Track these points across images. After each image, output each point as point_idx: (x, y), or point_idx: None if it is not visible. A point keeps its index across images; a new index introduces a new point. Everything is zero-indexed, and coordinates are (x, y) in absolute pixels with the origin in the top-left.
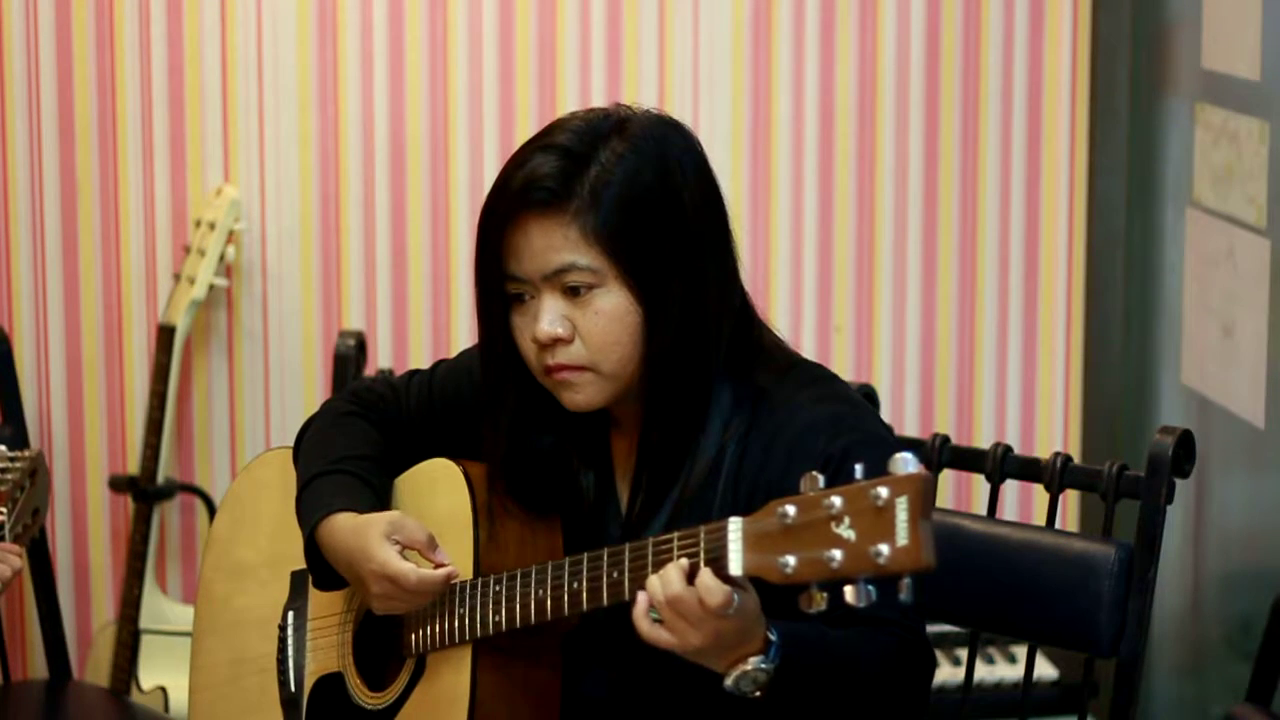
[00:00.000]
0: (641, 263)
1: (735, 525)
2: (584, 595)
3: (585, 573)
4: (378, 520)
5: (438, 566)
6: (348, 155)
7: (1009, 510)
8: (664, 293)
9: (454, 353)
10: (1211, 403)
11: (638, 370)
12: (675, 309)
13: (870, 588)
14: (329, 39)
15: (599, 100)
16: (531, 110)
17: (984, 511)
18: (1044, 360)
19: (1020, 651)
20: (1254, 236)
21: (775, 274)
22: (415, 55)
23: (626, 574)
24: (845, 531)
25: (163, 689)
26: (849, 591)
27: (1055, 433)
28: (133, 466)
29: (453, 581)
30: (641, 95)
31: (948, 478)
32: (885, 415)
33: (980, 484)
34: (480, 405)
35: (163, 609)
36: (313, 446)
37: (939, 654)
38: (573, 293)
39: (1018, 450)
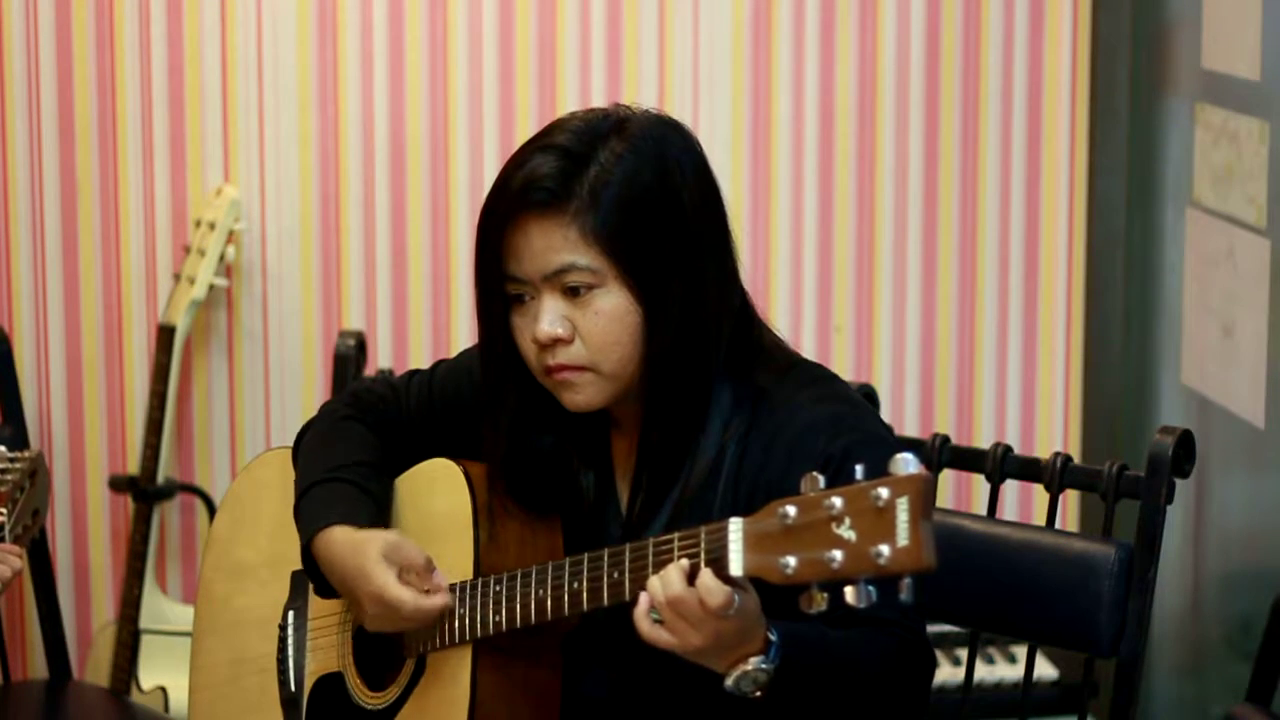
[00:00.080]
0: (641, 263)
1: (736, 526)
2: (584, 595)
3: (585, 573)
4: (376, 540)
5: (433, 590)
6: (348, 155)
7: (1009, 510)
8: (664, 293)
9: (454, 353)
10: (1211, 403)
11: (638, 370)
12: (675, 309)
13: (871, 588)
14: (329, 39)
15: (599, 100)
16: (531, 110)
17: (984, 511)
18: (1044, 360)
19: (1020, 651)
20: (1254, 236)
21: (775, 274)
22: (415, 55)
23: (627, 574)
24: (846, 532)
25: (163, 689)
26: (849, 592)
27: (1055, 433)
28: (133, 466)
29: (452, 583)
30: (641, 95)
31: (948, 478)
32: (885, 415)
33: (980, 484)
34: (480, 405)
35: (163, 609)
36: (310, 452)
37: (939, 654)
38: (573, 293)
39: (1018, 450)
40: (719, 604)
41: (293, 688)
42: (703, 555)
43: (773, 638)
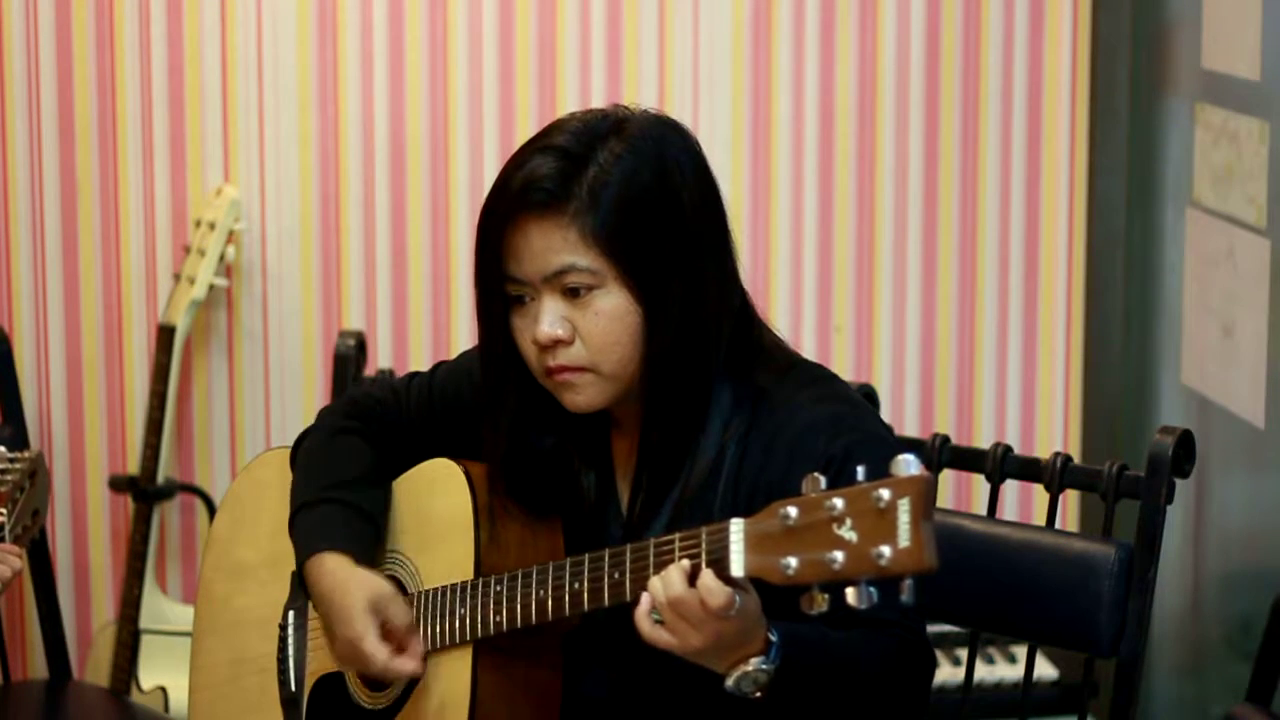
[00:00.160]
0: (641, 263)
1: (737, 526)
2: (585, 595)
3: (586, 573)
4: (367, 586)
5: (409, 654)
6: (348, 155)
7: (1009, 510)
8: (663, 293)
9: (454, 353)
10: (1211, 403)
11: (638, 371)
12: (675, 309)
13: (872, 589)
14: (329, 39)
15: (599, 100)
16: (531, 110)
17: (984, 511)
18: (1044, 360)
19: (1020, 651)
20: (1254, 236)
21: (775, 274)
22: (415, 55)
23: (628, 574)
24: (847, 533)
25: (163, 689)
26: (850, 593)
27: (1055, 433)
28: (133, 466)
29: (452, 583)
30: (641, 95)
31: (948, 478)
32: (885, 415)
33: (980, 484)
34: (480, 406)
35: (163, 609)
36: (307, 467)
37: (939, 654)
38: (573, 294)
39: (1018, 450)
40: (720, 604)
41: (293, 688)
42: (704, 556)
43: (773, 638)
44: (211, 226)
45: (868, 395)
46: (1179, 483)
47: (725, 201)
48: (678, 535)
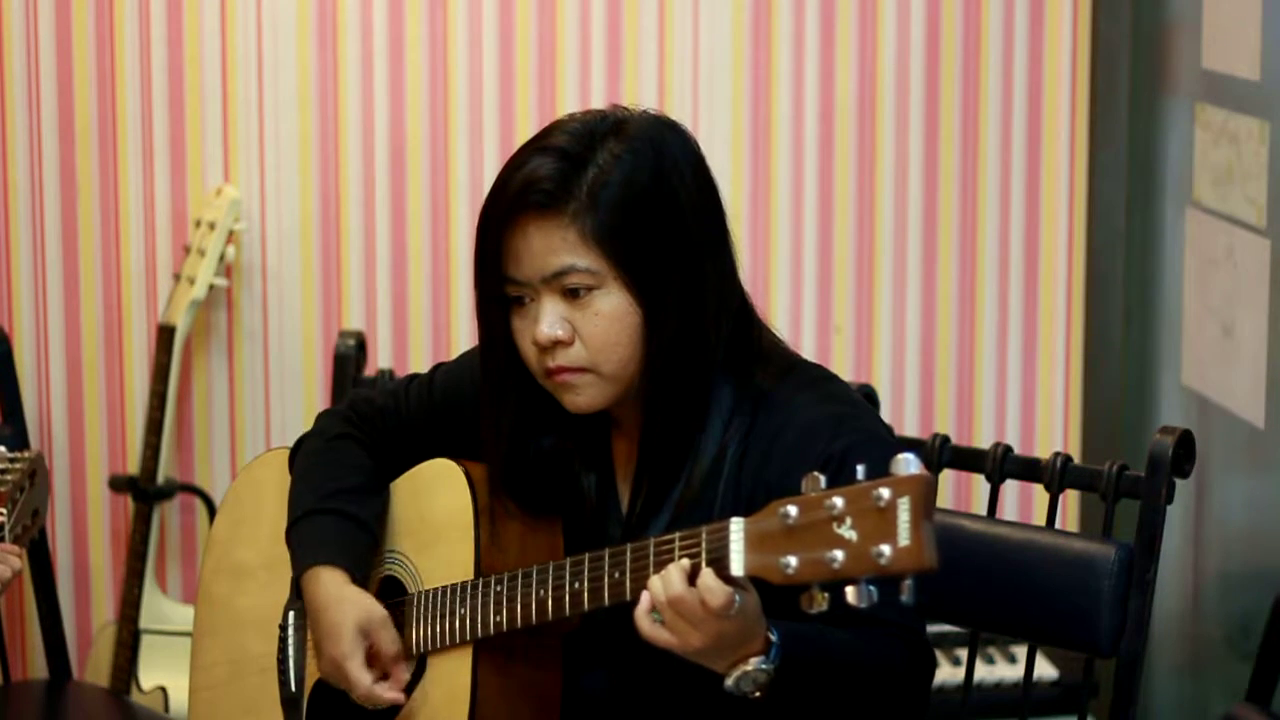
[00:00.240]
0: (640, 263)
1: (737, 525)
2: (585, 595)
3: (586, 573)
4: (358, 609)
5: (393, 682)
6: (348, 155)
7: (1009, 510)
8: (663, 293)
9: (454, 353)
10: (1211, 403)
11: (638, 371)
12: (674, 310)
13: (872, 588)
14: (329, 39)
15: (599, 100)
16: (531, 110)
17: (984, 511)
18: (1044, 360)
19: (1020, 651)
20: (1254, 236)
21: (775, 274)
22: (415, 55)
23: (628, 574)
24: (847, 532)
25: (163, 689)
26: (850, 592)
27: (1055, 433)
28: (133, 466)
29: (452, 583)
30: (641, 96)
31: (948, 478)
32: (885, 415)
33: (980, 484)
34: (481, 406)
35: (163, 609)
36: (304, 475)
37: (939, 654)
38: (572, 295)
39: (1018, 450)
40: (720, 604)
41: (293, 688)
42: (704, 555)
43: (773, 638)
44: (211, 226)
45: (868, 395)
46: (1179, 483)
47: (725, 202)
48: (678, 535)
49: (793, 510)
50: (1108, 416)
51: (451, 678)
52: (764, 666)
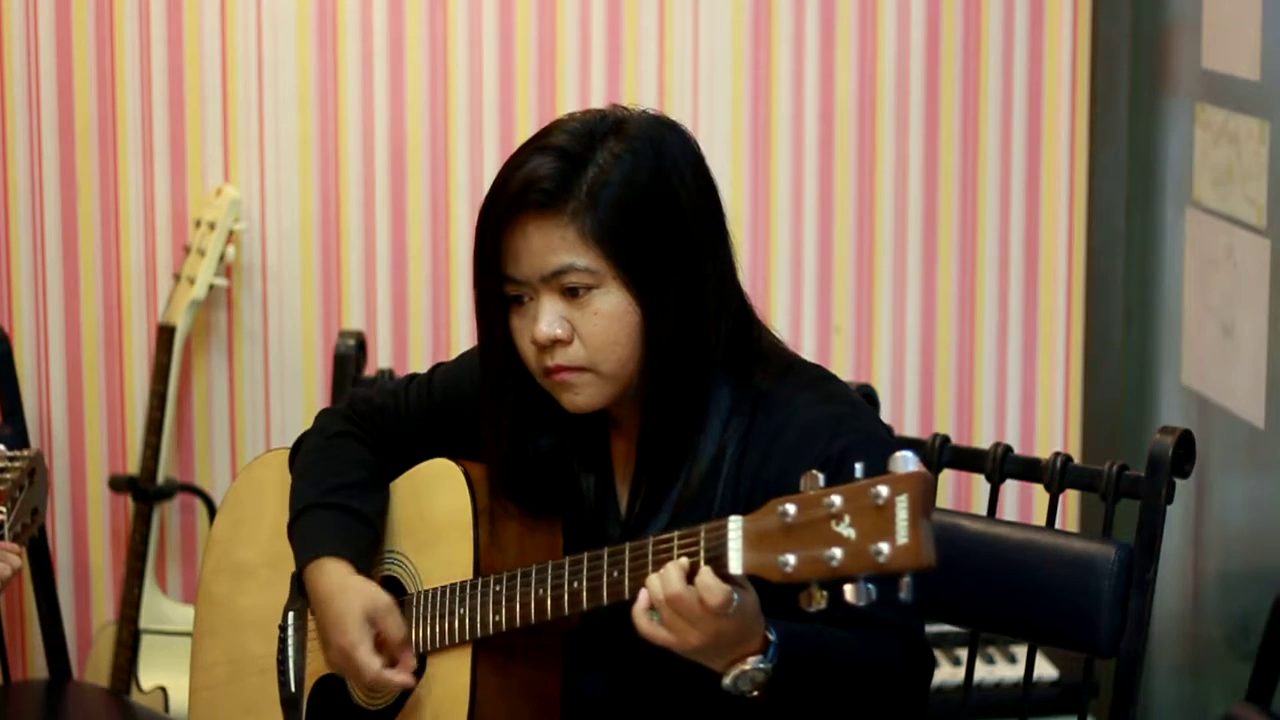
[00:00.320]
0: (639, 263)
1: (735, 524)
2: (584, 595)
3: (585, 572)
4: (363, 596)
5: (401, 666)
6: (348, 155)
7: (1009, 510)
8: (662, 293)
9: (454, 353)
10: (1211, 403)
11: (636, 371)
12: (673, 309)
13: (870, 586)
14: (329, 39)
15: (599, 100)
16: (531, 110)
17: (984, 511)
18: (1044, 360)
19: (1020, 651)
20: (1254, 236)
21: (775, 274)
22: (415, 55)
23: (627, 573)
24: (845, 530)
25: (163, 689)
26: (849, 590)
27: (1055, 433)
28: (133, 466)
29: (452, 583)
30: (641, 96)
31: (948, 478)
32: (885, 415)
33: (980, 484)
34: (480, 406)
35: (163, 609)
36: (305, 471)
37: (939, 654)
38: (571, 294)
39: (1018, 450)
40: (718, 602)
41: (293, 688)
42: (702, 554)
43: (771, 637)
44: (211, 226)
45: (867, 395)
46: (1179, 483)
47: (725, 202)
48: (676, 533)
49: (791, 508)
50: (1108, 416)
51: (451, 678)
52: (762, 666)
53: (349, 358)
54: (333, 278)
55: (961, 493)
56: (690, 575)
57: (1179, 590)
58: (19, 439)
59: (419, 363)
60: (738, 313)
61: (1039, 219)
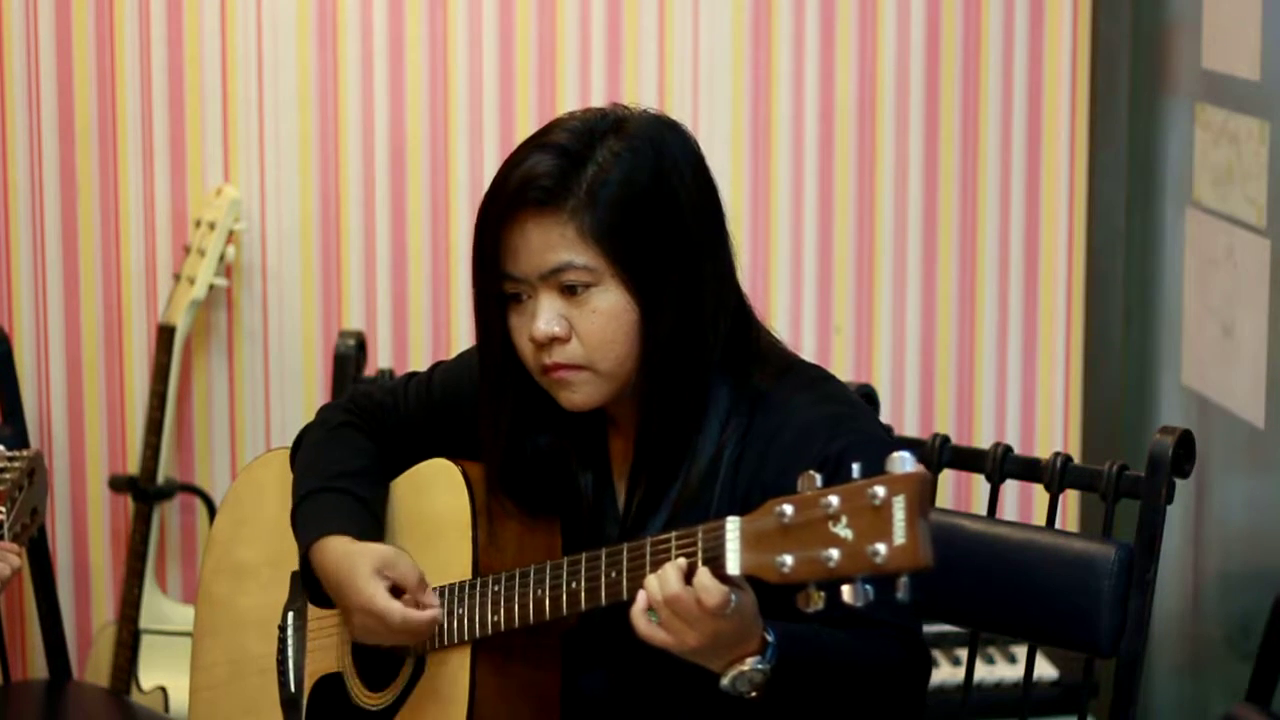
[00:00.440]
0: (638, 262)
1: (733, 524)
2: (582, 595)
3: (584, 572)
4: (370, 553)
5: (424, 605)
6: (348, 155)
7: (1009, 510)
8: (660, 292)
9: (454, 353)
10: (1211, 403)
11: (634, 369)
12: (672, 308)
13: (868, 587)
14: (329, 39)
15: (599, 100)
16: (531, 110)
17: (984, 511)
18: (1044, 360)
19: (1020, 651)
20: (1254, 236)
21: (775, 274)
22: (415, 55)
23: (625, 573)
24: (843, 530)
25: (163, 689)
26: (846, 591)
27: (1055, 433)
28: (133, 466)
29: (451, 583)
30: (641, 95)
31: (948, 478)
32: (885, 415)
33: (980, 484)
34: (479, 405)
35: (163, 609)
36: (308, 459)
37: (939, 654)
38: (570, 292)
39: (1018, 450)
40: (716, 603)
41: (292, 688)
42: (700, 554)
43: (769, 638)
44: (211, 226)
45: (867, 395)
46: (1179, 483)
47: (725, 202)
48: (674, 534)
49: (789, 509)
50: (1108, 416)
51: (450, 677)
52: (760, 666)
53: (349, 358)
54: (333, 278)
55: (961, 493)
56: (688, 576)
57: (1179, 590)
58: (19, 439)
59: (419, 362)
60: (736, 312)
61: (1039, 219)
